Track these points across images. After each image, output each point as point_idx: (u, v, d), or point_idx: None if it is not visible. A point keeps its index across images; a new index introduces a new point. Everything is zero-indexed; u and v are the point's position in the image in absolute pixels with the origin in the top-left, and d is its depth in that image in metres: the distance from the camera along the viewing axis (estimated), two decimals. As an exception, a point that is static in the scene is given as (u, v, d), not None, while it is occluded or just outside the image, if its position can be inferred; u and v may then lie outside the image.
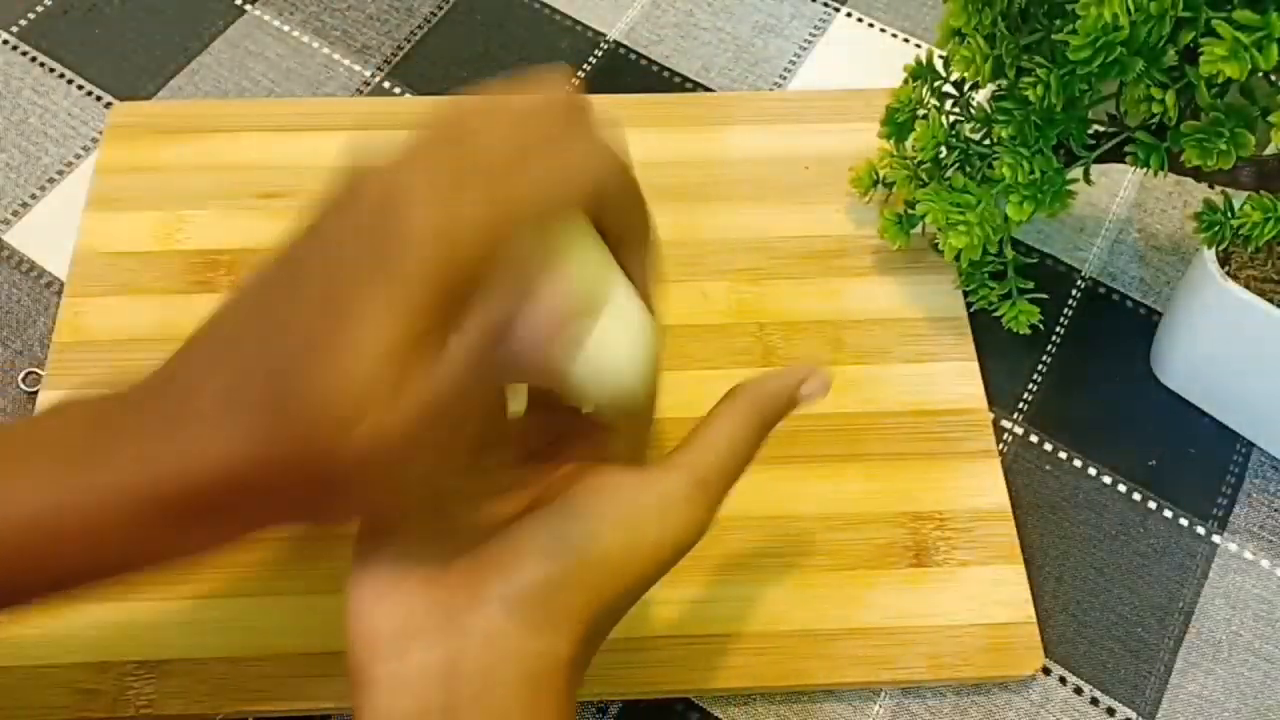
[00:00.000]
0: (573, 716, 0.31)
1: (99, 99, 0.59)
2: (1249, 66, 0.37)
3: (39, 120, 0.58)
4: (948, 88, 0.51)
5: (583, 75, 0.62)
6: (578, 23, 0.64)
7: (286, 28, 0.63)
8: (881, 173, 0.53)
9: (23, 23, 0.62)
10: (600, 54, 0.62)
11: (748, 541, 0.47)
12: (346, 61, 0.61)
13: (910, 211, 0.51)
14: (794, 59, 0.63)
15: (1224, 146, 0.41)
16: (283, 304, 0.28)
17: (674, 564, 0.33)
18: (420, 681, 0.29)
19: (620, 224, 0.32)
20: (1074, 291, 0.55)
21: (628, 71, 0.62)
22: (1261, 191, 0.43)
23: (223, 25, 0.62)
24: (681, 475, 0.32)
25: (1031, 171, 0.45)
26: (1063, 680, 0.46)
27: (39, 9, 0.62)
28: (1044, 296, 0.50)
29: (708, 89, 0.61)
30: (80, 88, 0.60)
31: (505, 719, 0.29)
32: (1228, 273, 0.46)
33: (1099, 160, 0.47)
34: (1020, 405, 0.52)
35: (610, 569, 0.31)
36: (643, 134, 0.57)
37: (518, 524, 0.31)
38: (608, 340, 0.31)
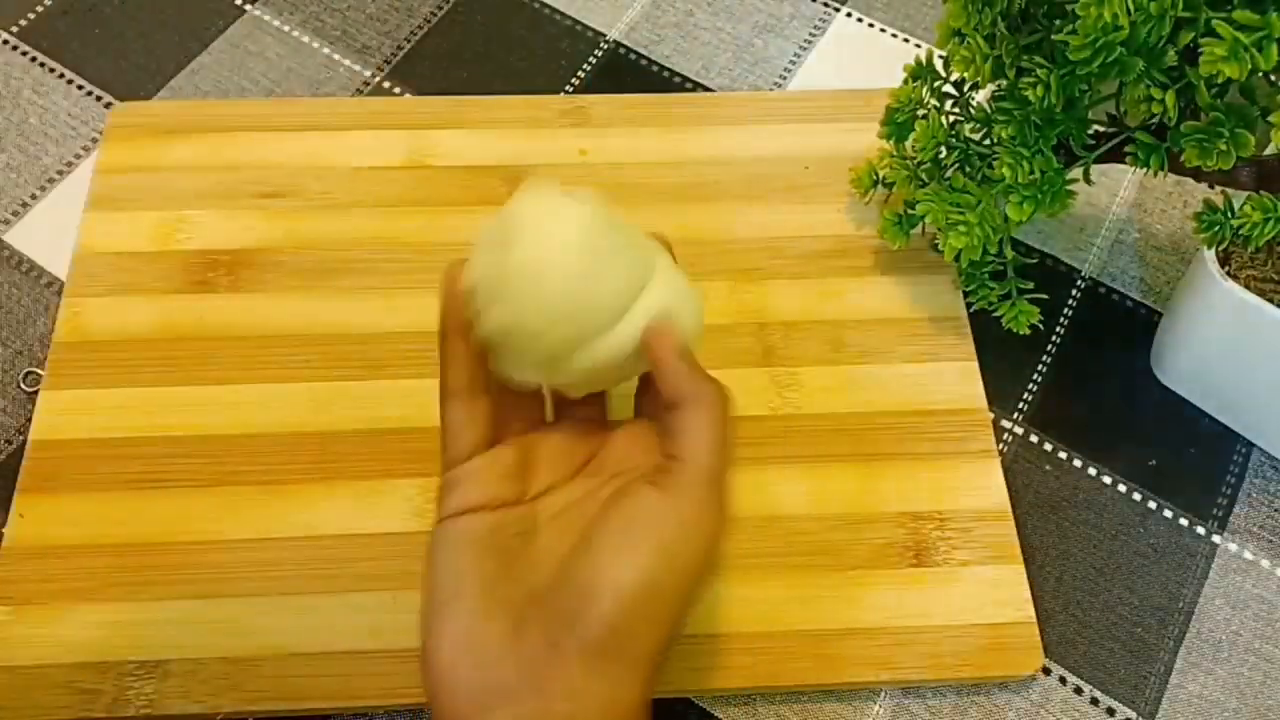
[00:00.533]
0: None
1: (99, 99, 0.59)
2: (1249, 66, 0.37)
3: (39, 120, 0.58)
4: (948, 88, 0.50)
5: (583, 75, 0.62)
6: (578, 23, 0.64)
7: (286, 28, 0.63)
8: (881, 173, 0.53)
9: (23, 23, 0.62)
10: (600, 54, 0.62)
11: (748, 541, 0.47)
12: (346, 61, 0.61)
13: (910, 211, 0.51)
14: (794, 59, 0.63)
15: (1224, 146, 0.41)
16: None
17: (707, 575, 0.34)
18: None
19: None
20: (1074, 291, 0.55)
21: (628, 71, 0.62)
22: (1261, 191, 0.43)
23: (223, 25, 0.62)
24: (697, 485, 0.33)
25: (1031, 171, 0.45)
26: (1063, 680, 0.46)
27: (39, 9, 0.62)
28: (1044, 296, 0.50)
29: (708, 89, 0.61)
30: (80, 88, 0.60)
31: None
32: (1228, 273, 0.46)
33: (1099, 160, 0.47)
34: (1020, 405, 0.52)
35: (663, 599, 0.32)
36: (643, 134, 0.58)
37: (575, 565, 0.32)
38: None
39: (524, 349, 0.34)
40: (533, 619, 0.32)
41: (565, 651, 0.31)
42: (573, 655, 0.31)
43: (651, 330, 0.35)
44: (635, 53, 0.63)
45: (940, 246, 0.48)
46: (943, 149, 0.49)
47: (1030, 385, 0.53)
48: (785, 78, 0.62)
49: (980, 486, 0.48)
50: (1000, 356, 0.53)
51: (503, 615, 0.33)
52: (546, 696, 0.31)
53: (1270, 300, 0.45)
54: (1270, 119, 0.40)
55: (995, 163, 0.46)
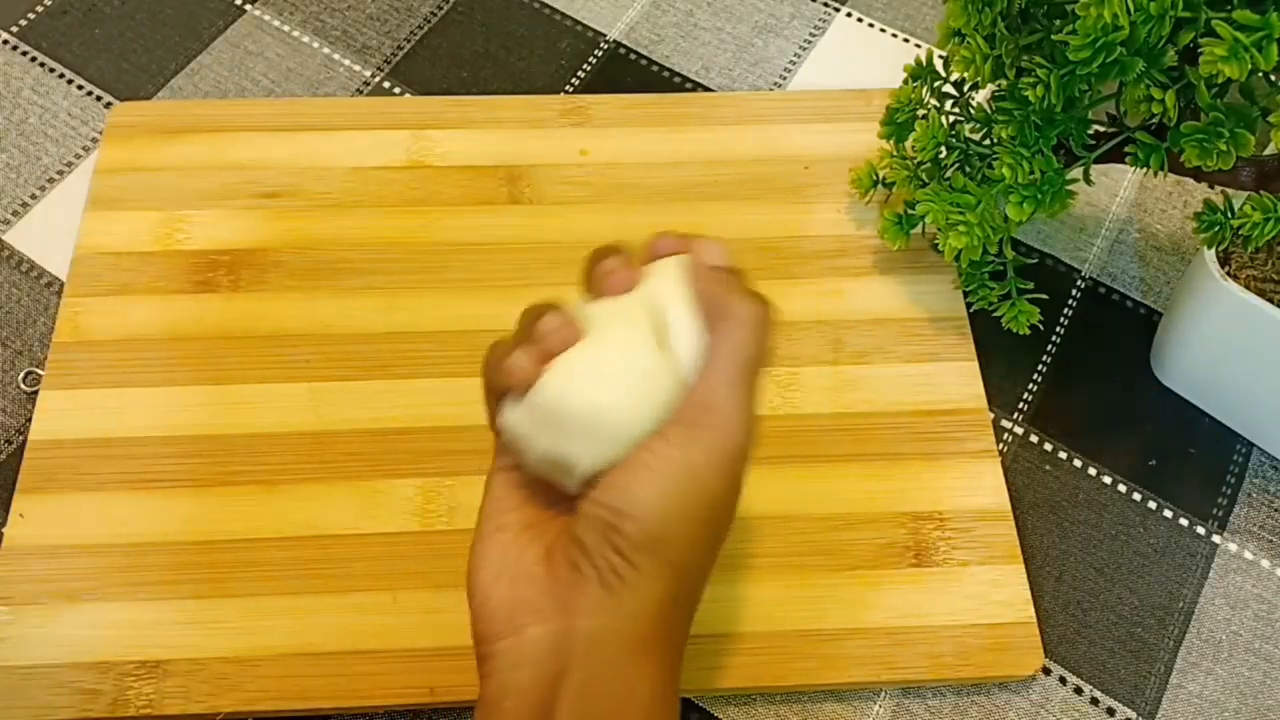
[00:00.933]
0: (678, 661, 0.35)
1: (99, 99, 0.59)
2: (1249, 66, 0.37)
3: (39, 120, 0.58)
4: (948, 88, 0.50)
5: (583, 75, 0.62)
6: (578, 23, 0.64)
7: (286, 28, 0.63)
8: (881, 173, 0.53)
9: (23, 23, 0.62)
10: (600, 54, 0.62)
11: (748, 541, 0.47)
12: (346, 61, 0.61)
13: (910, 212, 0.51)
14: (794, 59, 0.63)
15: (1224, 146, 0.41)
16: None
17: (726, 494, 0.34)
18: (535, 654, 0.33)
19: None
20: (1074, 291, 0.55)
21: (628, 71, 0.62)
22: (1261, 191, 0.43)
23: (223, 25, 0.62)
24: (686, 409, 0.33)
25: (1031, 171, 0.45)
26: (1063, 680, 0.46)
27: (39, 9, 0.62)
28: (1044, 296, 0.50)
29: (708, 89, 0.61)
30: (80, 88, 0.60)
31: (613, 674, 0.33)
32: (1228, 273, 0.46)
33: (1099, 160, 0.47)
34: (1020, 405, 0.52)
35: (658, 517, 0.33)
36: (643, 134, 0.58)
37: (588, 501, 0.33)
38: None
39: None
40: (558, 550, 0.34)
41: (585, 573, 0.33)
42: (590, 576, 0.33)
43: (693, 250, 0.36)
44: (635, 53, 0.63)
45: (940, 246, 0.48)
46: (943, 149, 0.49)
47: (1030, 385, 0.53)
48: (785, 78, 0.62)
49: (980, 486, 0.49)
50: (1000, 356, 0.53)
51: (536, 546, 0.35)
52: (570, 614, 0.33)
53: (1270, 300, 0.45)
54: (1270, 119, 0.40)
55: (995, 163, 0.46)
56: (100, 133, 0.58)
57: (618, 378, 0.33)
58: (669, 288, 0.35)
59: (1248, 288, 0.45)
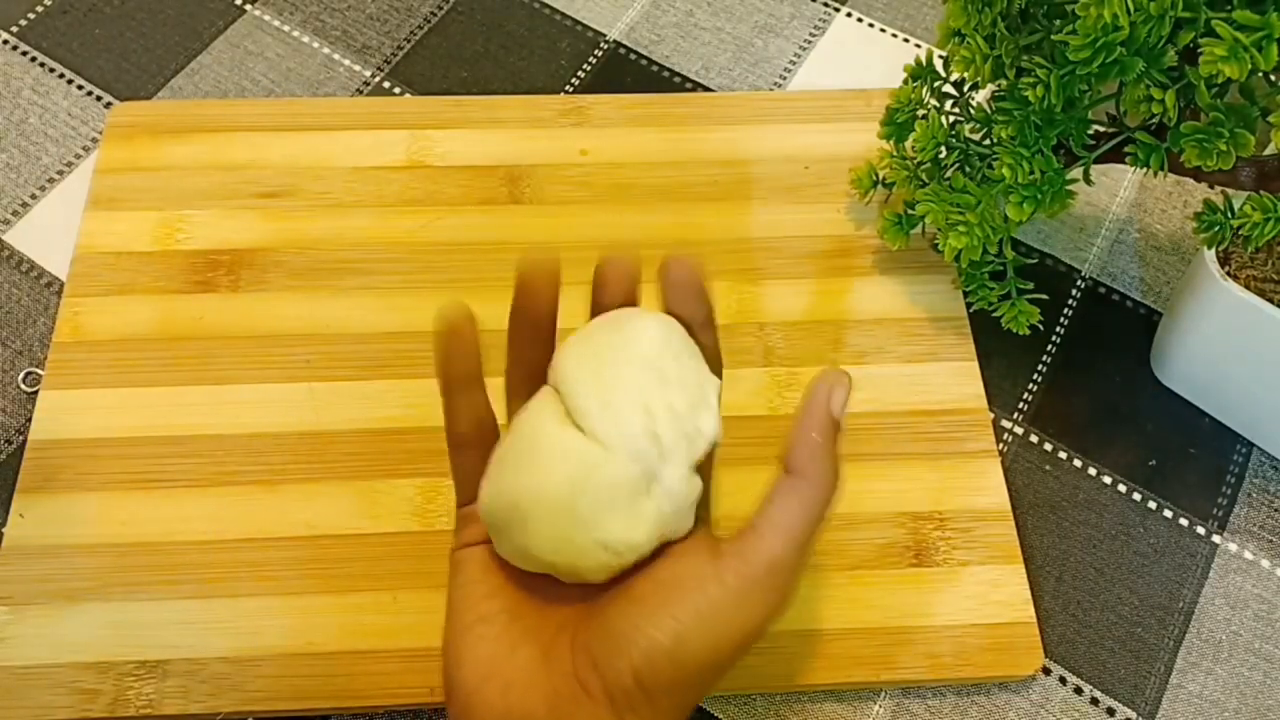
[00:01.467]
0: None
1: (99, 99, 0.59)
2: (1249, 66, 0.37)
3: (39, 120, 0.58)
4: (948, 88, 0.50)
5: (583, 75, 0.62)
6: (578, 23, 0.64)
7: (286, 28, 0.63)
8: (881, 173, 0.53)
9: (23, 23, 0.62)
10: (600, 54, 0.62)
11: (748, 541, 0.47)
12: (346, 61, 0.61)
13: (910, 211, 0.51)
14: (794, 59, 0.63)
15: (1224, 146, 0.41)
16: None
17: (754, 645, 0.32)
18: None
19: None
20: (1074, 291, 0.55)
21: (628, 71, 0.62)
22: (1261, 191, 0.43)
23: (223, 25, 0.62)
24: (753, 564, 0.31)
25: (1031, 171, 0.45)
26: (1063, 680, 0.46)
27: (39, 9, 0.62)
28: (1044, 296, 0.50)
29: (708, 89, 0.61)
30: (80, 88, 0.60)
31: None
32: (1228, 273, 0.46)
33: (1099, 160, 0.47)
34: (1020, 405, 0.52)
35: (697, 665, 0.31)
36: (643, 134, 0.58)
37: (614, 611, 0.32)
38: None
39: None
40: (562, 654, 0.32)
41: (593, 693, 0.31)
42: (600, 698, 0.31)
43: (819, 383, 0.33)
44: (635, 53, 0.63)
45: (940, 246, 0.48)
46: (943, 149, 0.49)
47: (1030, 385, 0.53)
48: (785, 78, 0.62)
49: (980, 486, 0.48)
50: (1000, 356, 0.53)
51: (530, 644, 0.32)
52: None
53: (1270, 300, 0.45)
54: (1270, 119, 0.40)
55: (995, 163, 0.46)
56: (100, 133, 0.58)
57: (523, 462, 0.32)
58: (564, 364, 0.34)
59: (1248, 288, 0.46)
